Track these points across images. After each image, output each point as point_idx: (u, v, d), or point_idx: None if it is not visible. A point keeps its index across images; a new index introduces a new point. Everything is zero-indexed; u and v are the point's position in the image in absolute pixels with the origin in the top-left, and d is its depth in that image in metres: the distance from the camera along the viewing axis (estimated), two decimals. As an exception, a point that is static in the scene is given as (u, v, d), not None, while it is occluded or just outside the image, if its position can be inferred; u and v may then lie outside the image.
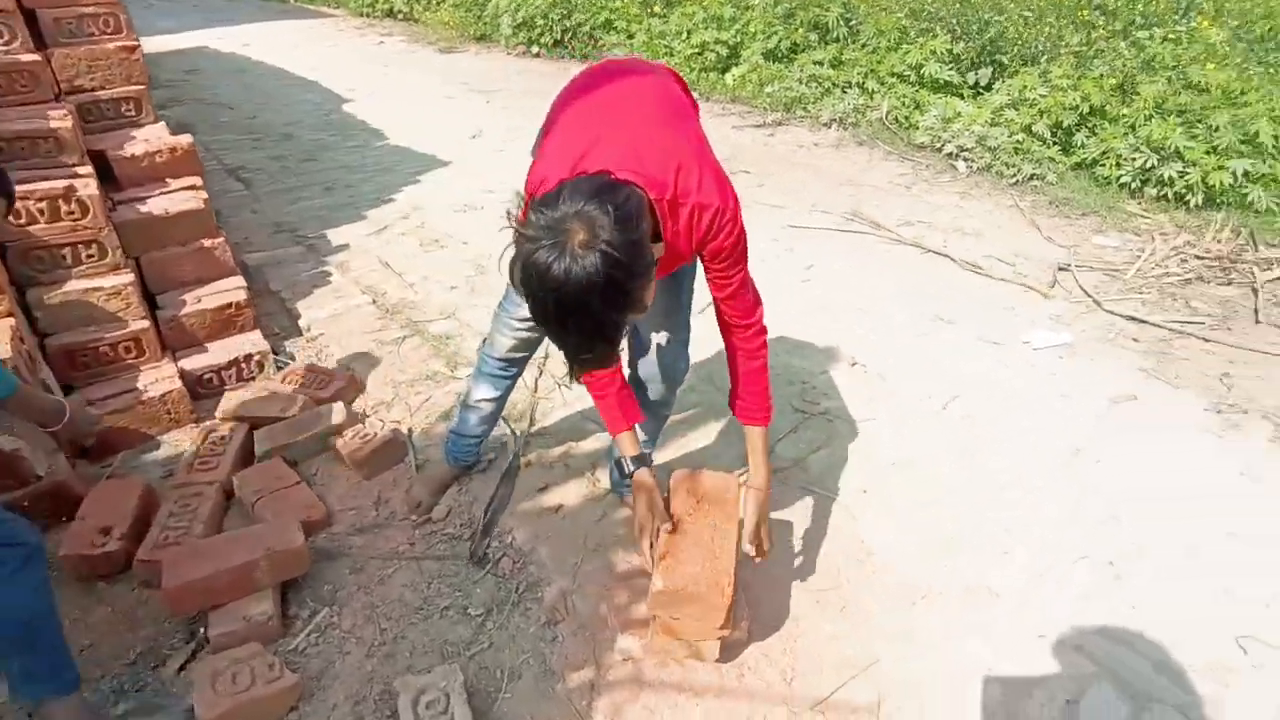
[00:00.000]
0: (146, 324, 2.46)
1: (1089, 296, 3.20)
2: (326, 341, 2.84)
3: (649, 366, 1.79)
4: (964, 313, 3.06)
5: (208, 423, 2.36)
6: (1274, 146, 3.89)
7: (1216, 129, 3.92)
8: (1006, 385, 2.63)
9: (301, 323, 2.95)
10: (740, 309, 1.45)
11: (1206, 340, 2.91)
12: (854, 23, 5.85)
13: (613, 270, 1.03)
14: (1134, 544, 1.96)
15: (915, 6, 5.56)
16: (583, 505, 2.08)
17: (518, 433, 2.34)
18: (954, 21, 5.37)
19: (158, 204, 2.69)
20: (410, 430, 2.34)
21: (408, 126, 5.50)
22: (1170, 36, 4.33)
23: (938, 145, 4.77)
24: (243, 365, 2.63)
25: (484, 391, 1.93)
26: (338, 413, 2.30)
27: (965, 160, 4.57)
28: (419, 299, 3.13)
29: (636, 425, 1.63)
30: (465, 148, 5.07)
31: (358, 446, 2.17)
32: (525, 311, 1.63)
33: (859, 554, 1.95)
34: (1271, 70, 4.03)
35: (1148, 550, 1.94)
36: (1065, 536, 1.99)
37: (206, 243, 2.76)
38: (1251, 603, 1.80)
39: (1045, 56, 4.84)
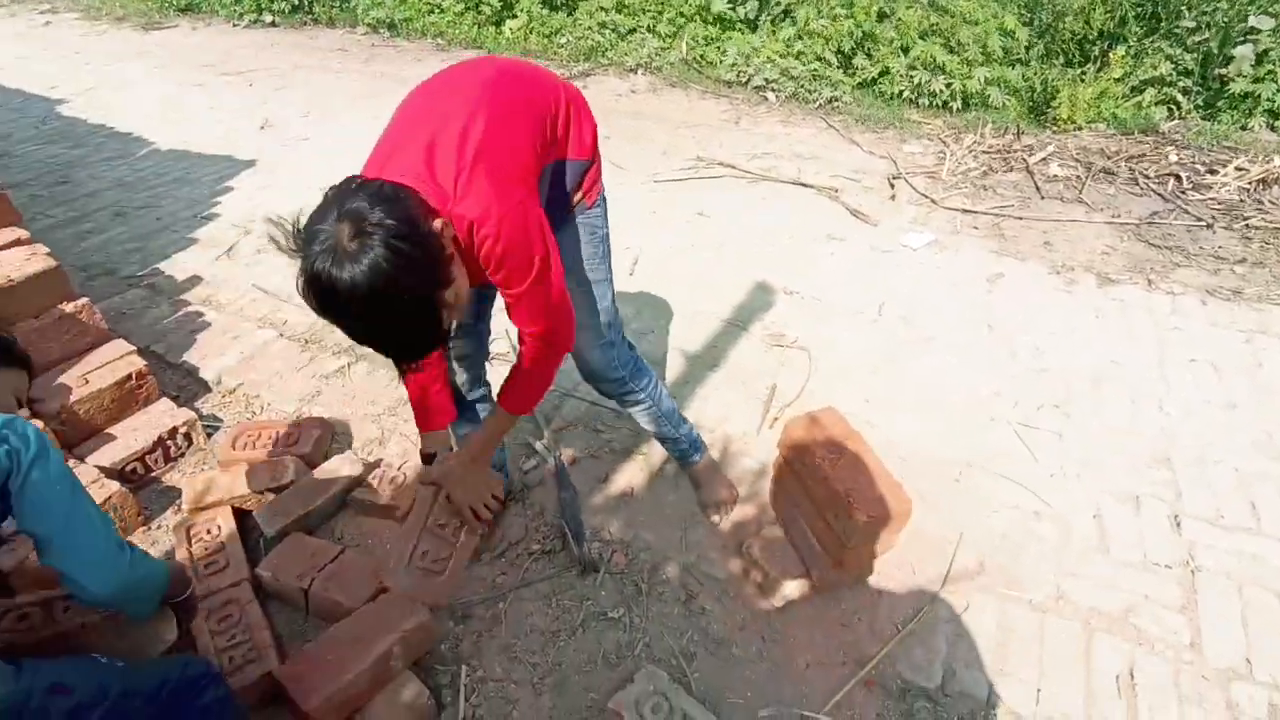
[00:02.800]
0: (39, 424, 1.96)
1: (927, 198, 3.77)
2: (252, 391, 2.46)
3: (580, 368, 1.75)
4: (847, 230, 3.45)
5: (178, 520, 1.97)
6: (1002, 55, 4.77)
7: (964, 44, 4.71)
8: (912, 284, 3.06)
9: (206, 376, 2.51)
10: (519, 318, 1.37)
11: (1020, 219, 3.60)
12: (628, -33, 5.94)
13: (396, 247, 1.01)
14: (1049, 374, 2.47)
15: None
16: (650, 480, 2.11)
17: (545, 435, 2.27)
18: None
19: (-13, 272, 2.10)
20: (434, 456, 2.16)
21: (170, 126, 4.64)
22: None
23: (743, 80, 5.13)
24: (169, 443, 2.20)
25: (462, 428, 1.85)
26: (350, 464, 2.05)
27: (774, 90, 4.98)
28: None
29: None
30: (260, 141, 4.42)
31: (395, 493, 1.98)
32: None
33: (895, 453, 2.22)
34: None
35: (1058, 375, 2.46)
36: (1009, 378, 2.44)
37: (67, 308, 2.24)
38: (1090, 383, 2.39)
39: (811, -12, 5.36)
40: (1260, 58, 4.40)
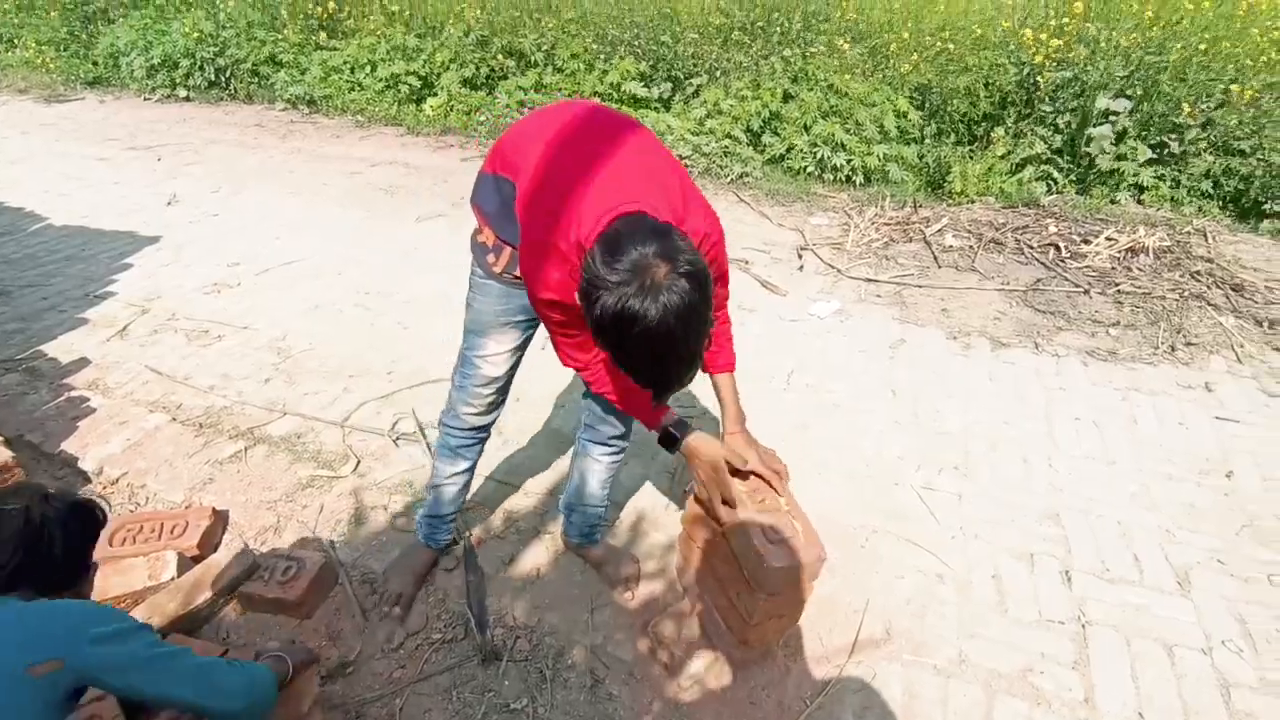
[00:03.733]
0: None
1: (832, 268, 3.94)
2: (138, 480, 2.32)
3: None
4: (757, 300, 3.57)
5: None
6: (898, 135, 5.12)
7: (861, 124, 5.04)
8: (819, 352, 3.16)
9: (86, 466, 2.35)
10: (725, 290, 1.58)
11: (920, 286, 3.80)
12: (546, 48, 6.16)
13: (699, 292, 1.08)
14: (949, 436, 2.58)
15: (599, 33, 6.06)
16: (556, 560, 2.07)
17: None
18: (635, 45, 5.99)
19: None
20: (333, 545, 2.07)
21: (67, 201, 4.47)
22: (811, 54, 5.41)
23: (659, 157, 5.32)
24: (37, 540, 2.03)
25: (455, 465, 1.83)
26: (240, 556, 1.94)
27: (687, 166, 5.18)
28: (230, 403, 2.68)
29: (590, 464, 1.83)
30: (166, 218, 4.29)
31: (286, 585, 1.87)
32: (490, 373, 1.64)
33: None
34: (890, 79, 5.28)
35: (957, 437, 2.57)
36: (912, 441, 2.53)
37: (-74, 398, 2.07)
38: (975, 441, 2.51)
39: (720, 72, 5.67)
40: (1120, 137, 4.86)
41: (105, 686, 1.17)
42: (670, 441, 1.59)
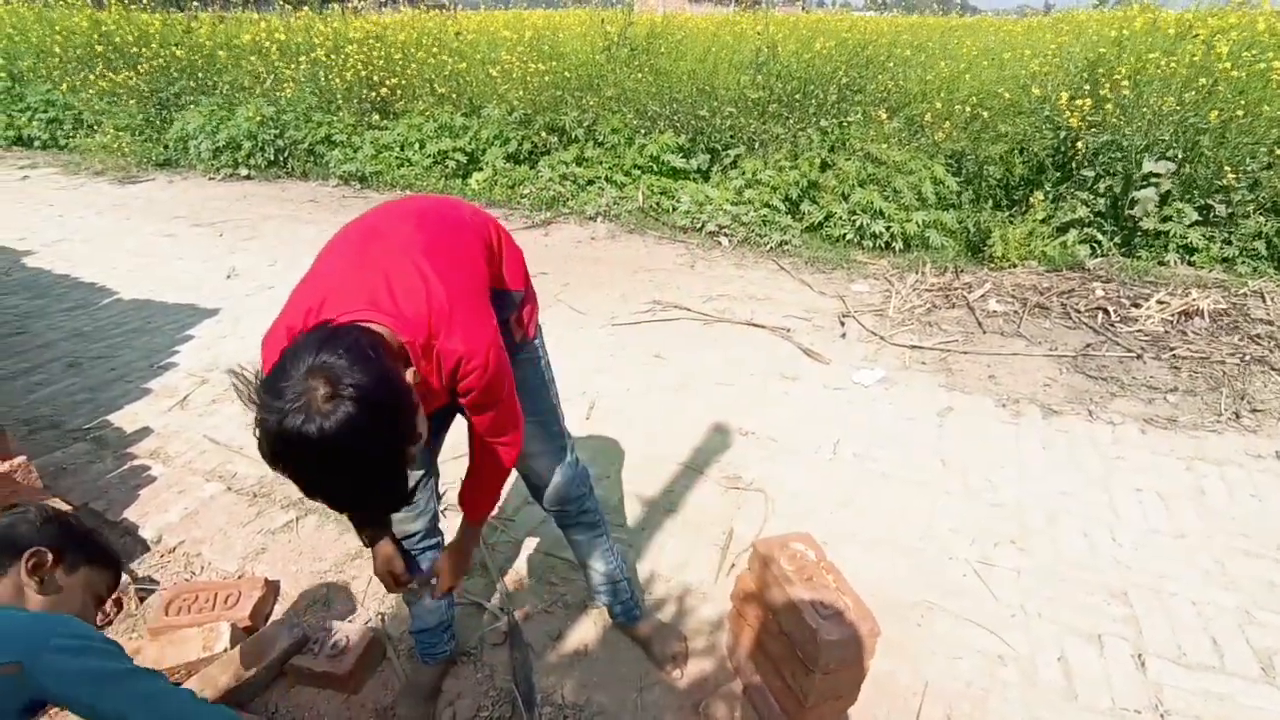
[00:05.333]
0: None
1: (876, 335, 3.93)
2: (194, 549, 2.36)
3: (536, 493, 1.76)
4: (800, 369, 3.56)
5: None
6: (936, 201, 5.16)
7: (899, 191, 5.09)
8: (865, 420, 3.12)
9: (146, 534, 2.41)
10: (488, 432, 1.39)
11: (965, 353, 3.75)
12: (587, 124, 6.41)
13: (371, 408, 0.98)
14: (1004, 508, 2.49)
15: (639, 108, 6.29)
16: (604, 635, 2.03)
17: (503, 590, 2.19)
18: (674, 119, 6.20)
19: (-79, 434, 2.06)
20: (383, 618, 2.07)
21: (135, 275, 4.71)
22: (847, 123, 5.53)
23: (698, 225, 5.44)
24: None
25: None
26: (290, 628, 1.95)
27: (726, 235, 5.28)
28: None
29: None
30: (226, 291, 4.49)
31: (335, 659, 1.87)
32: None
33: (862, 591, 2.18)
34: (926, 147, 5.36)
35: (1012, 509, 2.48)
36: (965, 514, 2.45)
37: (2, 467, 2.16)
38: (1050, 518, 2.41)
39: (758, 143, 5.82)
40: (1165, 199, 4.82)
41: (60, 701, 1.12)
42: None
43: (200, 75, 8.22)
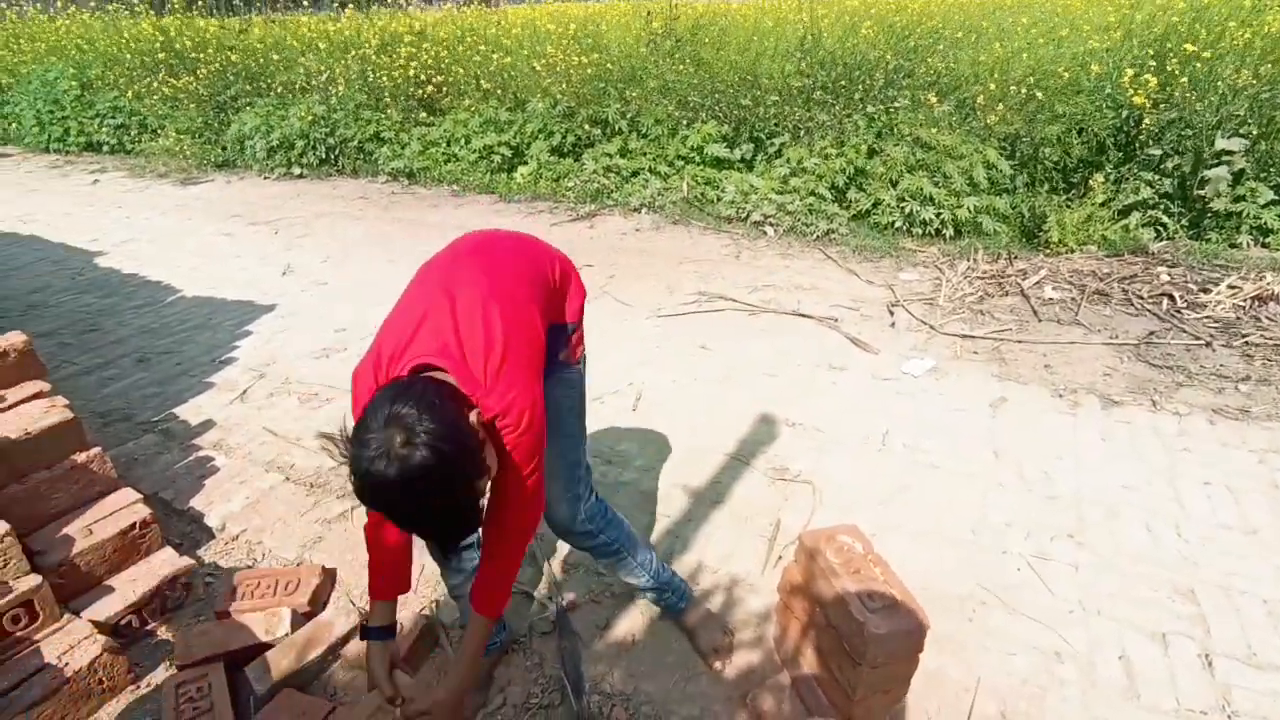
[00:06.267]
0: (37, 579, 1.96)
1: (925, 324, 3.84)
2: (255, 537, 2.46)
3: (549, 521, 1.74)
4: (847, 359, 3.50)
5: (169, 676, 1.92)
6: (988, 186, 5.00)
7: (949, 177, 4.95)
8: (914, 410, 3.06)
9: (210, 523, 2.52)
10: (515, 497, 1.39)
11: (1020, 342, 3.64)
12: (630, 116, 6.40)
13: (440, 451, 1.11)
14: (1060, 501, 2.41)
15: (681, 99, 6.25)
16: (651, 625, 2.05)
17: (551, 578, 2.22)
18: (717, 110, 6.14)
19: (5, 425, 2.18)
20: (436, 605, 2.12)
21: (196, 274, 4.89)
22: (895, 108, 5.40)
23: (743, 215, 5.39)
24: (167, 594, 2.18)
25: (456, 577, 1.83)
26: (347, 614, 2.02)
27: (771, 225, 5.22)
28: (337, 463, 2.81)
29: None
30: (282, 287, 4.64)
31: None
32: None
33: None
34: (977, 130, 5.20)
35: (1070, 502, 2.40)
36: (1019, 506, 2.38)
37: (80, 458, 2.28)
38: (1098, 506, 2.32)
39: (802, 131, 5.73)
40: (1237, 178, 4.58)
41: None
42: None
43: (255, 77, 8.47)
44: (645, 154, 6.15)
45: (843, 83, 5.81)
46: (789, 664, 1.81)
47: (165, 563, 2.23)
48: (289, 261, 5.09)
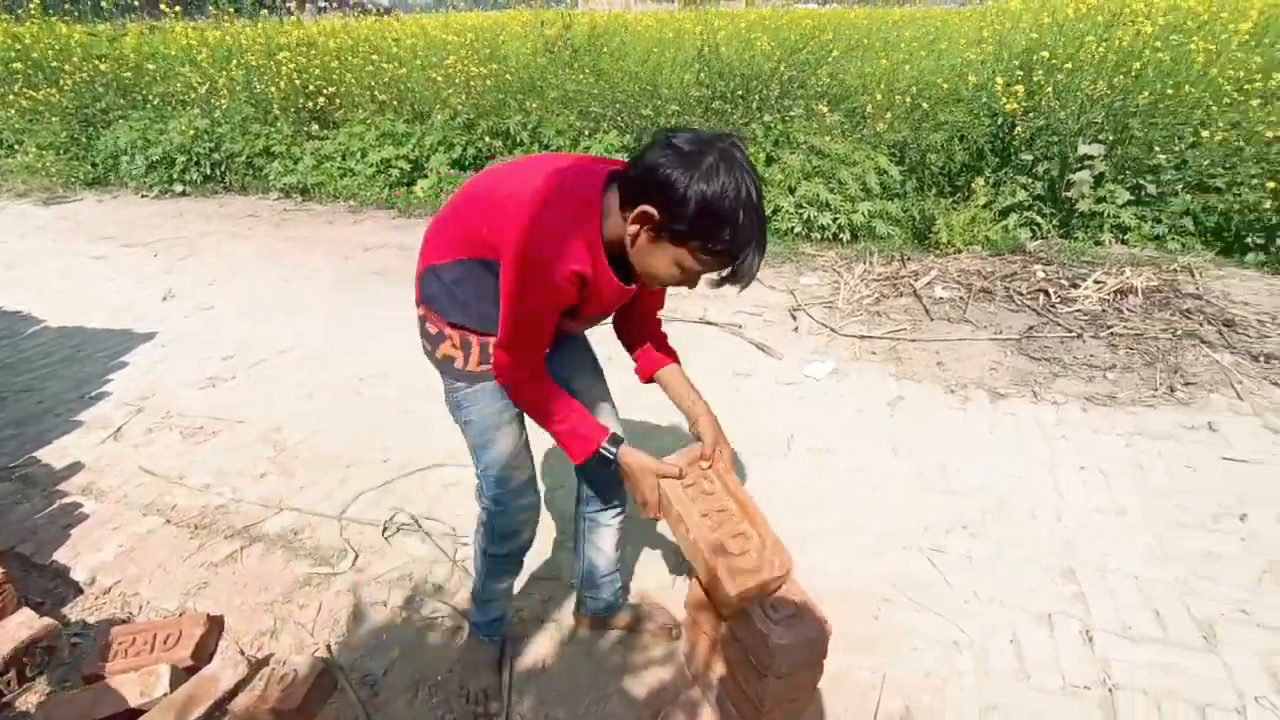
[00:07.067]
0: None
1: (826, 327, 3.96)
2: (130, 588, 2.26)
3: None
4: (753, 365, 3.57)
5: (27, 752, 1.74)
6: (880, 191, 5.22)
7: (844, 183, 5.14)
8: (816, 413, 3.14)
9: (78, 576, 2.30)
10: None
11: (914, 341, 3.81)
12: (531, 127, 6.34)
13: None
14: (954, 495, 2.53)
15: (581, 108, 6.25)
16: (560, 649, 2.00)
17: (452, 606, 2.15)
18: (618, 120, 6.17)
19: None
20: (329, 648, 2.00)
21: (62, 301, 4.51)
22: (791, 119, 5.57)
23: (647, 225, 5.41)
24: (25, 661, 1.98)
25: (507, 579, 1.82)
26: (233, 665, 1.88)
27: (676, 234, 5.27)
28: (225, 500, 2.64)
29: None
30: (162, 313, 4.33)
31: (283, 695, 1.81)
32: (523, 476, 1.65)
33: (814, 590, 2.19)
34: (868, 138, 5.43)
35: (963, 495, 2.52)
36: (917, 502, 2.48)
37: (-85, 517, 2.04)
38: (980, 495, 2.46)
39: (702, 141, 5.81)
40: (1098, 180, 4.95)
41: None
42: (606, 460, 1.58)
43: (128, 89, 7.92)
44: (549, 165, 6.09)
45: (740, 93, 5.95)
46: (699, 679, 1.81)
47: (22, 625, 2.02)
48: (170, 285, 4.76)
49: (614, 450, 1.56)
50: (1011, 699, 1.83)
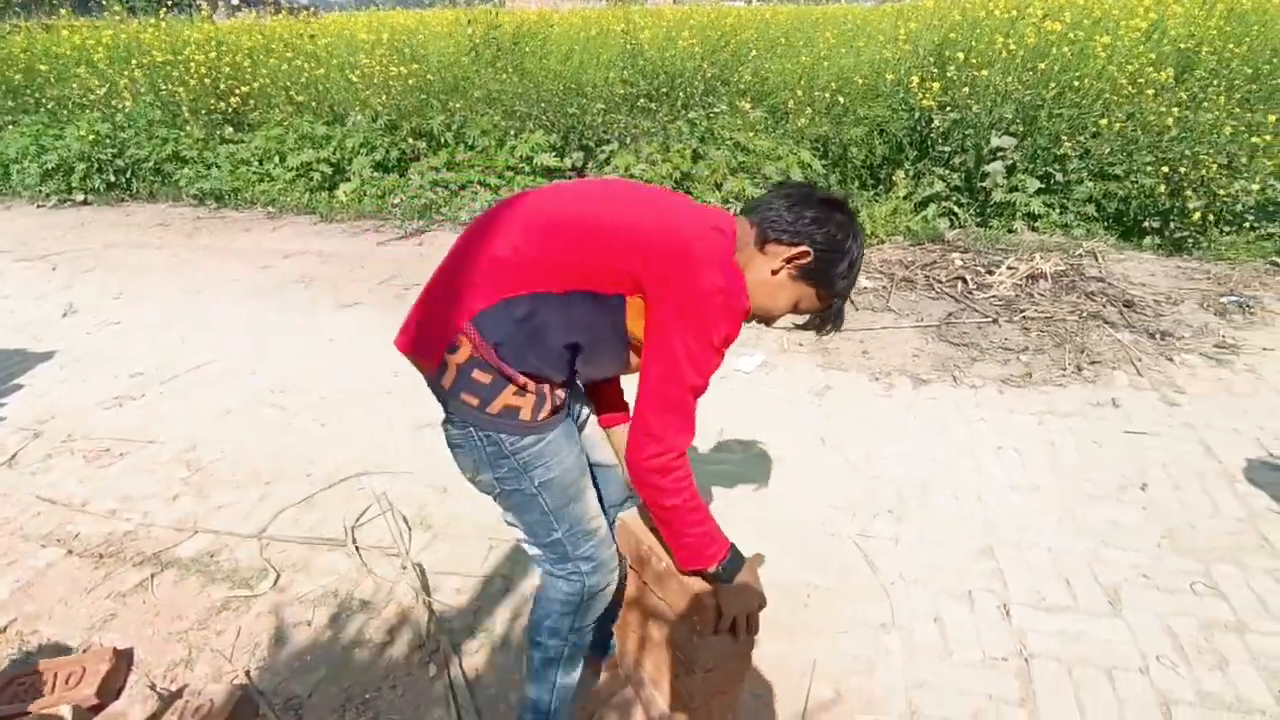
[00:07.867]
0: None
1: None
2: (28, 626, 2.12)
3: None
4: (684, 360, 3.58)
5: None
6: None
7: (769, 177, 5.22)
8: (746, 405, 3.18)
9: (-32, 617, 2.15)
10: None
11: (840, 331, 3.88)
12: (455, 128, 6.23)
13: None
14: (880, 480, 2.60)
15: (506, 107, 6.17)
16: (490, 663, 1.97)
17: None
18: (544, 119, 6.12)
19: None
20: (248, 674, 1.92)
21: (-50, 321, 4.21)
22: (715, 114, 5.63)
23: (577, 224, 5.39)
24: (-91, 711, 1.83)
25: (605, 600, 1.53)
26: (140, 702, 1.78)
27: (606, 232, 5.26)
28: (134, 526, 2.50)
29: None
30: (63, 330, 4.08)
31: (198, 726, 1.72)
32: (603, 526, 1.47)
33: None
34: (791, 133, 5.53)
35: (889, 481, 2.60)
36: (845, 490, 2.54)
37: None
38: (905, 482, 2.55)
39: (629, 138, 5.83)
40: (1010, 171, 5.17)
41: None
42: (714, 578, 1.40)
43: (17, 92, 7.44)
44: (474, 166, 6.01)
45: (665, 90, 5.98)
46: (631, 678, 1.80)
47: (-94, 674, 1.88)
48: (71, 300, 4.49)
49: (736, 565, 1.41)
50: (936, 676, 1.89)
